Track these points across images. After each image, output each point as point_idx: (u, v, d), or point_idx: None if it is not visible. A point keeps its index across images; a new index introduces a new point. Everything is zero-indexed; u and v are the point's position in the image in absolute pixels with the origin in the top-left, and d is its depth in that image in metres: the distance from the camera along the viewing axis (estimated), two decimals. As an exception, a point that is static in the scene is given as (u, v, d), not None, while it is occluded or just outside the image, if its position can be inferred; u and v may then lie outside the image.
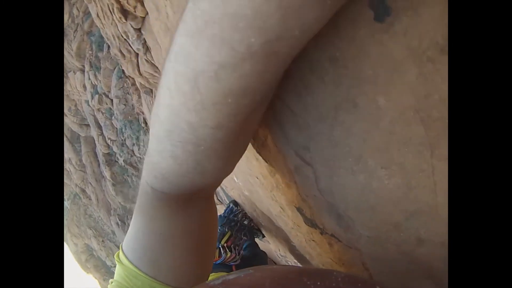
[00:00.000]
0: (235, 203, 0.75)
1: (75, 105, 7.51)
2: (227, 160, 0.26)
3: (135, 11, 1.10)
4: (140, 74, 1.54)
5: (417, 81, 0.21)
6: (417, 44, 0.19)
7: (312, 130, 0.27)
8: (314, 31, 0.18)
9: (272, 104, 0.29)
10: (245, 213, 0.72)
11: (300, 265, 0.74)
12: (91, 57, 5.53)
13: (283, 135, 0.30)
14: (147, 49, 1.29)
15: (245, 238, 0.65)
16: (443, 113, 0.21)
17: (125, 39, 1.38)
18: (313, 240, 0.43)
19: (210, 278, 0.48)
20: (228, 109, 0.20)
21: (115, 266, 0.29)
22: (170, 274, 0.28)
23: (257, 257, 0.66)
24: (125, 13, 1.14)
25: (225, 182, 0.78)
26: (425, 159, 0.24)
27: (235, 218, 0.70)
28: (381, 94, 0.22)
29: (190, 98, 0.19)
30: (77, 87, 6.38)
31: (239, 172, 0.52)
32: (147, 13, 1.06)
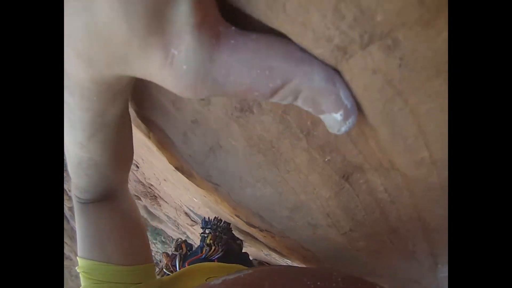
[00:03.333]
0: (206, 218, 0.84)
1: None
2: (119, 168, 0.36)
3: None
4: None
5: (239, 129, 0.30)
6: (224, 110, 0.29)
7: (205, 164, 0.38)
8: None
9: (180, 154, 0.39)
10: (219, 218, 0.82)
11: (285, 260, 0.82)
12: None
13: (195, 169, 0.41)
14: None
15: (225, 236, 0.75)
16: (268, 144, 0.31)
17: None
18: (264, 236, 0.53)
19: (199, 268, 0.58)
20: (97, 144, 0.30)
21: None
22: (117, 255, 0.36)
23: (234, 253, 0.75)
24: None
25: (191, 204, 0.89)
26: (276, 174, 0.33)
27: (212, 225, 0.80)
28: (230, 138, 0.32)
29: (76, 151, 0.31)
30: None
31: (195, 192, 0.63)
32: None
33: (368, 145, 0.26)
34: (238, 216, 0.48)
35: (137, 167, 1.31)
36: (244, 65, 0.17)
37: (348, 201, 0.34)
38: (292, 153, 0.30)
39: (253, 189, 0.37)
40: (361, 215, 0.36)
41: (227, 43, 0.17)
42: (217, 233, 0.75)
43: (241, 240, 0.82)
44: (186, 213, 1.30)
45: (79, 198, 0.38)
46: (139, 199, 1.69)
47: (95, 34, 0.17)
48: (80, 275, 0.37)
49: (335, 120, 0.19)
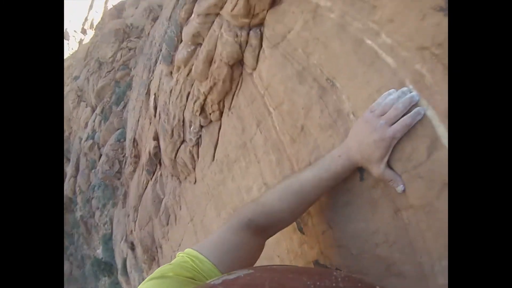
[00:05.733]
0: None
1: (69, 133, 7.07)
2: (292, 221, 0.57)
3: (210, 115, 1.19)
4: (175, 158, 1.58)
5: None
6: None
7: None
8: None
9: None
10: None
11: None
12: (106, 104, 5.35)
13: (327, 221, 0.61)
14: (197, 144, 1.33)
15: None
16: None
17: (182, 125, 1.40)
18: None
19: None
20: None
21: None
22: (227, 269, 0.41)
23: None
24: (201, 110, 1.21)
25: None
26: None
27: None
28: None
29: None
30: (80, 119, 6.09)
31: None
32: (217, 120, 1.17)
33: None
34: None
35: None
36: None
37: None
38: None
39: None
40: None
41: None
42: None
43: None
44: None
45: (251, 219, 0.51)
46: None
47: None
48: (180, 255, 0.45)
49: None
